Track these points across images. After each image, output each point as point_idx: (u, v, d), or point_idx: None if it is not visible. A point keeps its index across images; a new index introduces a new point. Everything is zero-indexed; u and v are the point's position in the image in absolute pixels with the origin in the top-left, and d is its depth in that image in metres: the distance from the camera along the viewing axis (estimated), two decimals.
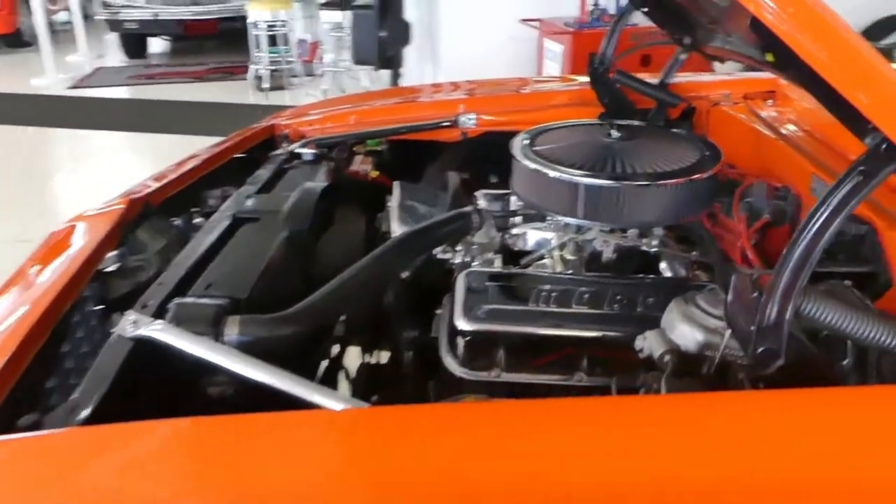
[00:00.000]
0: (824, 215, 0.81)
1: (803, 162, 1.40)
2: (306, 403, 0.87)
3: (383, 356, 1.65)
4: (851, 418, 0.75)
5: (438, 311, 1.35)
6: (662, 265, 1.36)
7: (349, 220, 1.64)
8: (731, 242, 1.34)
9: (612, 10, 5.09)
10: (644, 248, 1.35)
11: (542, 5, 5.32)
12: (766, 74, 1.94)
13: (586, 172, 1.26)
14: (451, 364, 1.20)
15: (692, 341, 0.97)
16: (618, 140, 1.36)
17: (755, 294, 0.84)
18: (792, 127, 1.67)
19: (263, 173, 1.68)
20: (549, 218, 1.41)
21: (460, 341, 1.19)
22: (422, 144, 2.00)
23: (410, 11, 5.81)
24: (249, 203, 1.46)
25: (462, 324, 1.17)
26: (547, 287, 1.21)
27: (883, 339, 0.83)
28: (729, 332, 0.92)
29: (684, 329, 0.98)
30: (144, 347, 0.98)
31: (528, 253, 1.44)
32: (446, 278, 1.39)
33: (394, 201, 1.59)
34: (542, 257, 1.39)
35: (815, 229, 0.81)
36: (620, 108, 1.91)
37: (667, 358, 0.96)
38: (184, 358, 0.96)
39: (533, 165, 1.31)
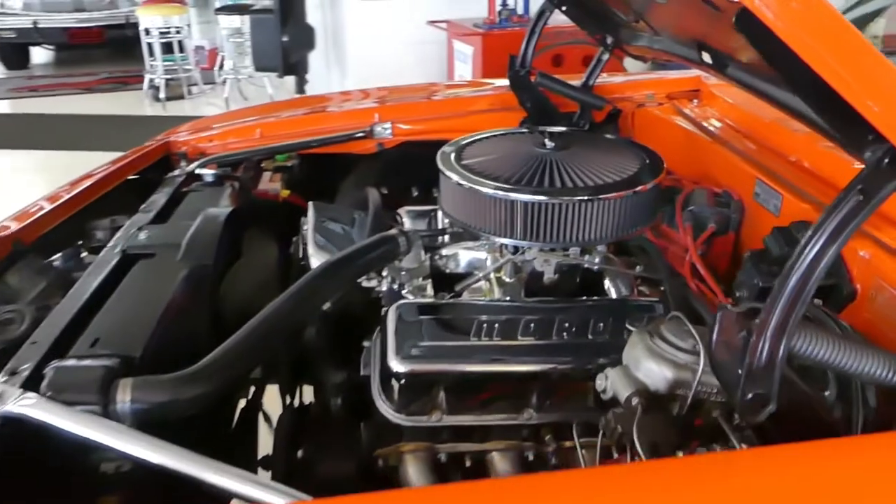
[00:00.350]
0: (819, 242, 0.70)
1: (744, 165, 1.33)
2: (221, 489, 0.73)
3: (306, 390, 1.50)
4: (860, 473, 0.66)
5: (366, 344, 1.22)
6: (607, 283, 1.27)
7: (260, 249, 1.49)
8: (677, 254, 1.26)
9: (520, 10, 5.05)
10: (587, 265, 1.25)
11: (449, 6, 5.22)
12: (690, 73, 1.89)
13: (523, 188, 1.15)
14: (386, 410, 1.09)
15: (661, 380, 0.87)
16: (553, 150, 1.25)
17: (742, 333, 0.73)
18: (720, 125, 1.62)
19: (158, 199, 1.50)
20: (482, 237, 1.30)
21: (395, 384, 1.07)
22: (336, 158, 1.85)
23: (313, 15, 5.62)
24: (143, 236, 1.29)
25: (396, 365, 1.06)
26: (488, 317, 1.10)
27: (878, 372, 0.74)
28: (702, 367, 0.82)
29: (651, 366, 0.88)
30: (14, 428, 0.81)
31: (461, 276, 1.32)
32: (373, 308, 1.26)
33: (309, 224, 1.44)
34: (477, 281, 1.28)
35: (809, 259, 0.70)
36: (543, 112, 1.83)
37: (635, 400, 0.85)
38: (65, 436, 0.80)
39: (464, 182, 1.19)
